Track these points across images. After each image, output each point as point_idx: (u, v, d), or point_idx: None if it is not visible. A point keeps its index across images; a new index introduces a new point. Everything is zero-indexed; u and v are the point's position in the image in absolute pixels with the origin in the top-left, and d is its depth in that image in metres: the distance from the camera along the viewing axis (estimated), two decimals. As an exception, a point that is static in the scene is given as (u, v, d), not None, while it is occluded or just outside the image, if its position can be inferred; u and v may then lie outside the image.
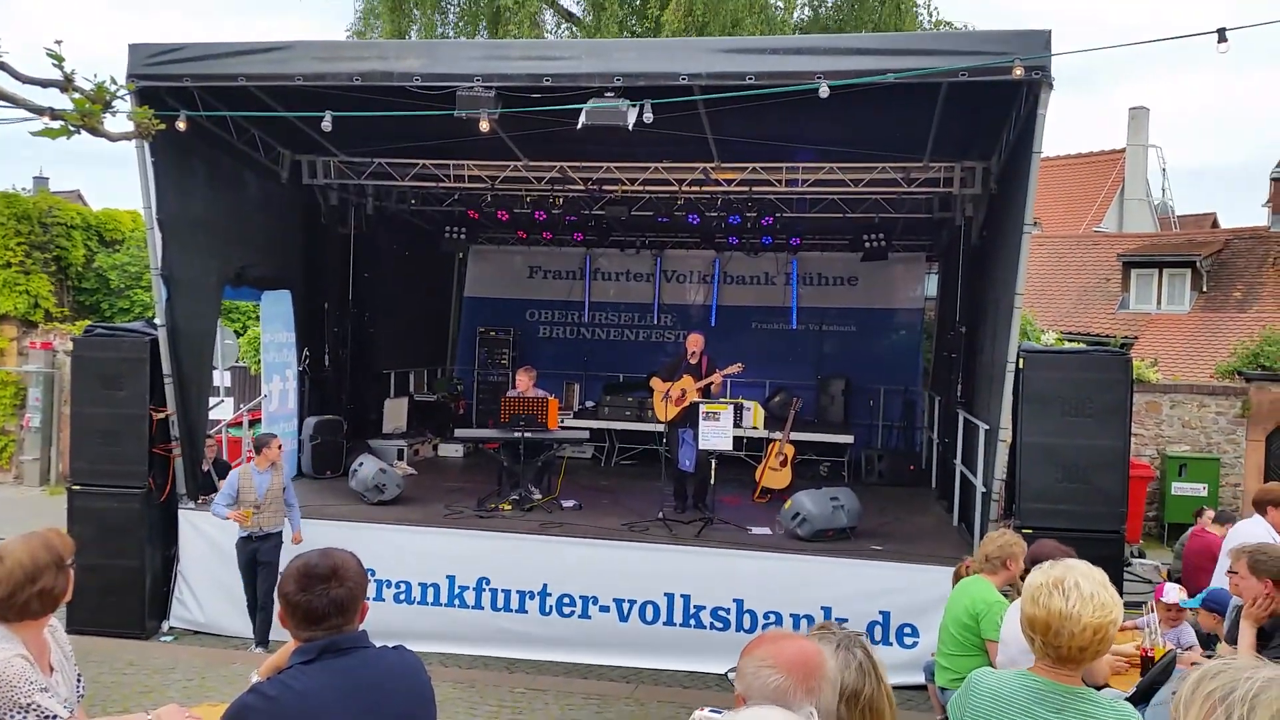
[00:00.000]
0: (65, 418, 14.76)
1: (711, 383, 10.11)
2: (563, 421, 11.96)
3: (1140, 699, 4.17)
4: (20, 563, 2.97)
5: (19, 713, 2.86)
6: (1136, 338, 20.41)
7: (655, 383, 10.41)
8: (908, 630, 8.16)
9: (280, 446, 8.60)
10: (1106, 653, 3.12)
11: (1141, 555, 11.93)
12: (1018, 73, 7.09)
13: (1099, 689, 4.41)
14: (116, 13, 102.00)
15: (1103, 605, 2.59)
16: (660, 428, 10.60)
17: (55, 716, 2.92)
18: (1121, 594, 7.08)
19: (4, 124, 6.18)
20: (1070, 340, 18.26)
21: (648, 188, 11.88)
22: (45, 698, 2.92)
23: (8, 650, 2.92)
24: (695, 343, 10.31)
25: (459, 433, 12.51)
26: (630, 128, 7.75)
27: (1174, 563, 10.26)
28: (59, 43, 5.43)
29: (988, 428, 8.36)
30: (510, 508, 9.82)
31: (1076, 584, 2.61)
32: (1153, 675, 4.35)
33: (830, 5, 19.60)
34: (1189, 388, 14.74)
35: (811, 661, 2.00)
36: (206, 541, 9.12)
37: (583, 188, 12.02)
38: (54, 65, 5.49)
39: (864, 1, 18.62)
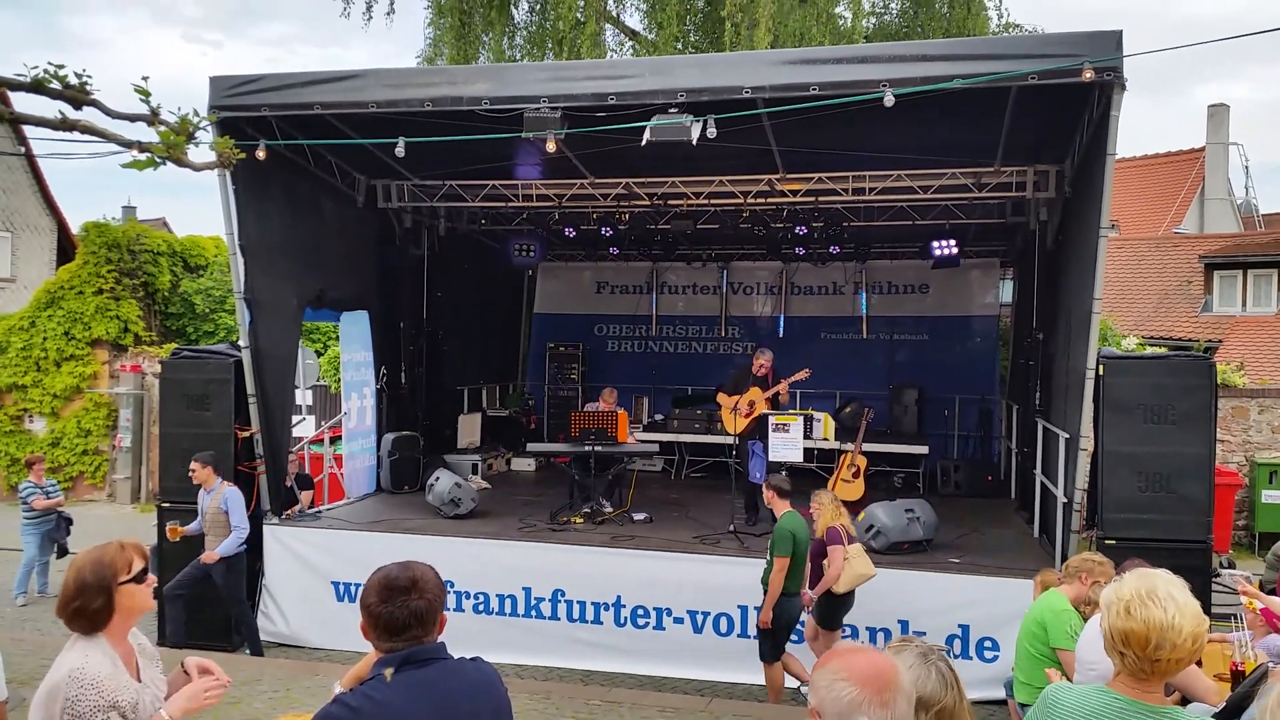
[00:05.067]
0: (154, 437, 15.32)
1: (778, 392, 10.08)
2: (632, 435, 12.03)
3: (1230, 714, 4.05)
4: (67, 583, 3.12)
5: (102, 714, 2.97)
6: (1221, 341, 19.77)
7: (721, 398, 10.41)
8: (988, 644, 8.02)
9: (205, 465, 8.52)
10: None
11: (1231, 565, 11.52)
12: (1088, 75, 6.96)
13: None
14: (189, 45, 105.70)
15: (1197, 613, 2.51)
16: (729, 440, 10.60)
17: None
18: (1210, 606, 6.90)
19: (96, 158, 6.47)
20: (1152, 345, 17.76)
21: (713, 201, 11.91)
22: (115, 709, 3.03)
23: (96, 652, 3.06)
24: (764, 357, 10.30)
25: (531, 447, 12.66)
26: (695, 143, 7.80)
27: (1266, 573, 9.90)
28: (146, 79, 5.69)
29: (1068, 436, 8.18)
30: (582, 521, 9.91)
31: (1170, 594, 2.50)
32: (1243, 689, 4.23)
33: (896, 12, 19.44)
34: (1278, 392, 14.21)
35: (885, 674, 2.00)
36: (291, 556, 9.38)
37: (648, 203, 12.09)
38: (141, 100, 5.74)
39: (931, 6, 18.42)
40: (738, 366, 10.88)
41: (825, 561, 7.32)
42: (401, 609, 2.66)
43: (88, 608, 3.09)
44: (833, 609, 7.45)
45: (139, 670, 3.22)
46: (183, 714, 3.23)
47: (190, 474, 8.52)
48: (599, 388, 15.36)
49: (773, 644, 7.37)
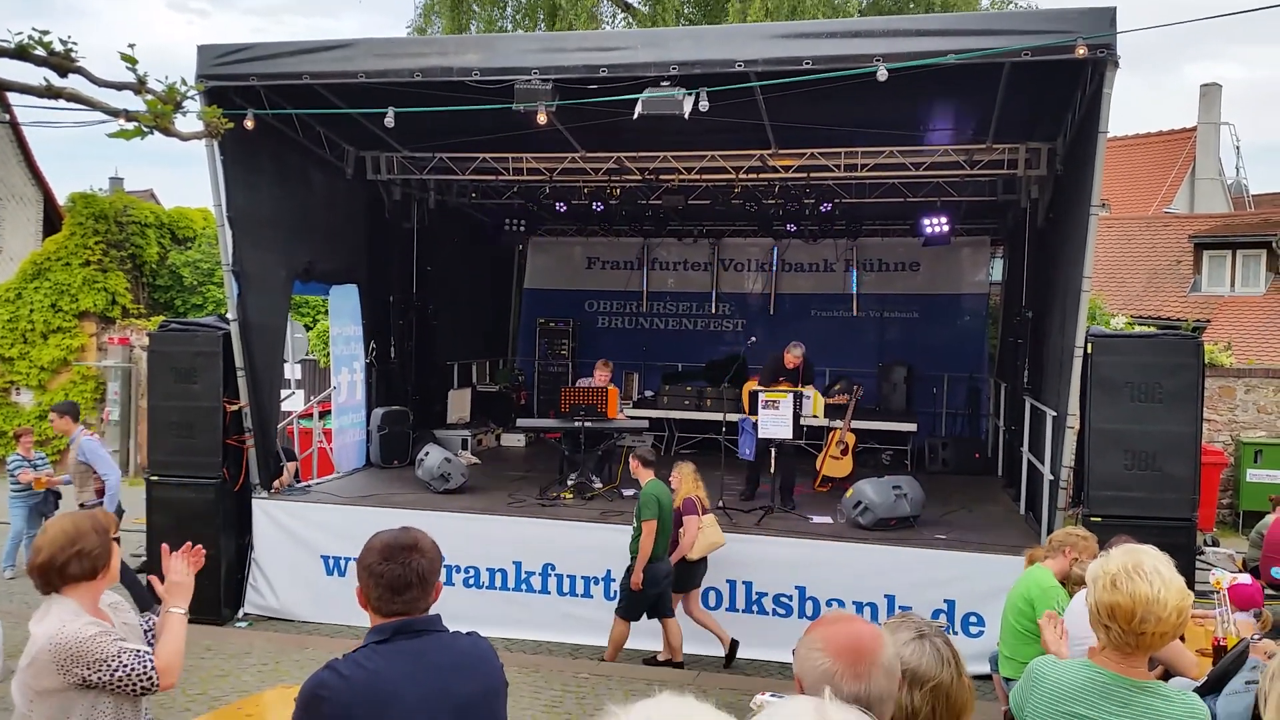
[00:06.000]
0: (142, 410, 15.24)
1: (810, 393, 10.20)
2: (622, 411, 12.04)
3: (1211, 688, 4.10)
4: (63, 529, 3.18)
5: (110, 663, 3.00)
6: (1209, 321, 19.86)
7: (753, 384, 10.33)
8: (973, 619, 8.08)
9: (63, 415, 8.71)
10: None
11: (1215, 543, 11.63)
12: (1081, 52, 6.94)
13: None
14: (176, 14, 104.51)
15: (1182, 588, 2.54)
16: (718, 416, 10.61)
17: (140, 650, 3.12)
18: (1194, 583, 6.97)
19: (82, 126, 6.41)
20: (1140, 324, 17.83)
21: (704, 176, 11.86)
22: (126, 644, 3.09)
23: (78, 619, 3.07)
24: (796, 350, 10.28)
25: (521, 423, 12.66)
26: (686, 116, 7.75)
27: (1249, 551, 10.00)
28: (132, 46, 5.63)
29: (1055, 414, 8.22)
30: (571, 496, 9.93)
31: (1156, 569, 2.53)
32: (1224, 664, 4.27)
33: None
34: (1264, 372, 14.30)
35: (863, 646, 1.93)
36: (280, 529, 9.38)
37: (639, 178, 12.03)
38: (128, 69, 5.69)
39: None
40: (770, 358, 10.75)
41: (681, 530, 7.80)
42: (405, 566, 2.67)
43: (89, 550, 3.14)
44: (687, 574, 7.94)
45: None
46: (183, 598, 3.37)
47: (50, 424, 8.50)
48: (589, 363, 15.34)
49: (635, 604, 7.72)
